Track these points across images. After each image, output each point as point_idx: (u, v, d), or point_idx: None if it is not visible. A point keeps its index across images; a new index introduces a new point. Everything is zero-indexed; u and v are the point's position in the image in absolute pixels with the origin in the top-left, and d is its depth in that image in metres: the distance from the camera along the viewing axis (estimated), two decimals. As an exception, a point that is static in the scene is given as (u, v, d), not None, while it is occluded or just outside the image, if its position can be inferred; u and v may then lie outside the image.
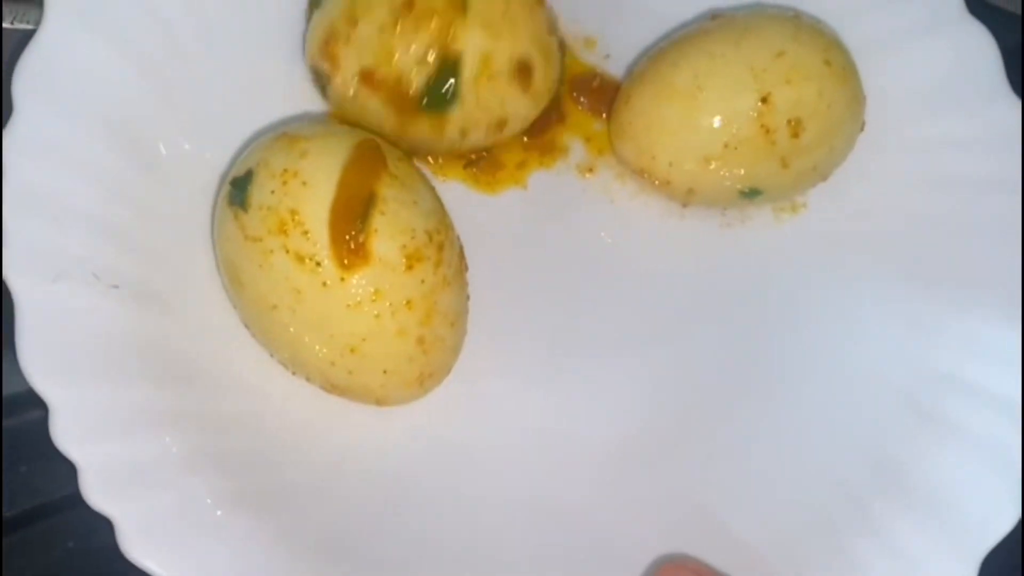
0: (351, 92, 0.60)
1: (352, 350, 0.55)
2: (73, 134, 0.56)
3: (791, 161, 0.63)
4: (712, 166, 0.63)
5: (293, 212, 0.53)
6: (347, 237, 0.53)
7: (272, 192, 0.53)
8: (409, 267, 0.54)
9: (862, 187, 0.66)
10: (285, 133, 0.56)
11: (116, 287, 0.55)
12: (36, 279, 0.53)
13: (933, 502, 0.60)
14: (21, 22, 0.62)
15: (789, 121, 0.61)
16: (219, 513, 0.53)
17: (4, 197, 0.53)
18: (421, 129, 0.60)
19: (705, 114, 0.62)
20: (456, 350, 0.59)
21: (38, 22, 0.57)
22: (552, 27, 0.62)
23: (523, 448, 0.61)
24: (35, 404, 0.52)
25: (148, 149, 0.59)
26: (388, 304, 0.54)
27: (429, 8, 0.58)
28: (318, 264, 0.53)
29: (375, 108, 0.60)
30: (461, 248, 0.60)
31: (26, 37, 0.56)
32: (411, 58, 0.58)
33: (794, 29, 0.62)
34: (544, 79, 0.61)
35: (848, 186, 0.66)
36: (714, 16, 0.65)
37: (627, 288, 0.65)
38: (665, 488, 0.61)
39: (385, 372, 0.56)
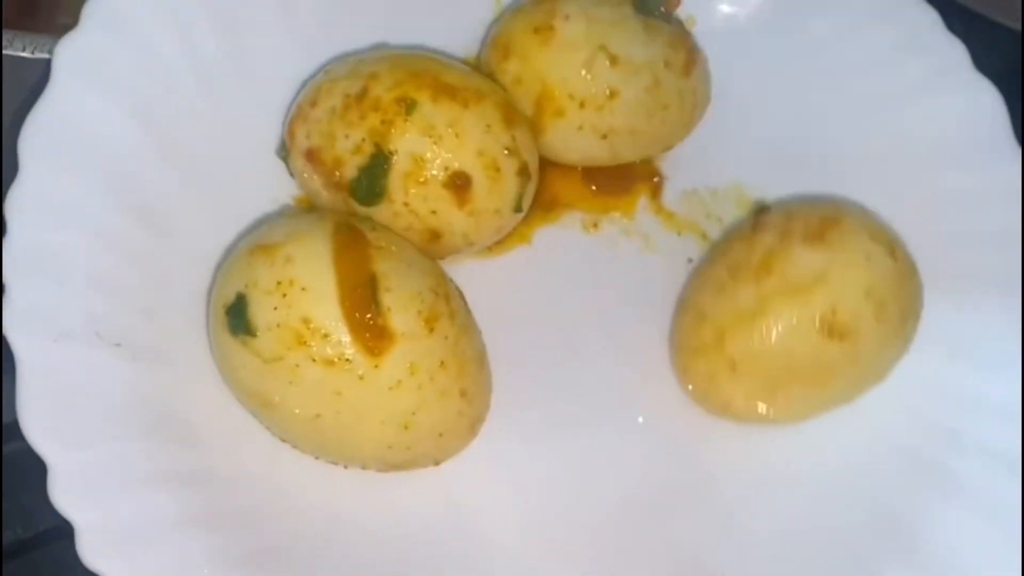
0: (299, 168, 0.61)
1: (406, 427, 0.54)
2: (78, 193, 0.56)
3: None
4: None
5: (306, 321, 0.52)
6: (366, 325, 0.52)
7: (275, 309, 0.53)
8: (431, 329, 0.54)
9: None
10: (258, 246, 0.55)
11: (118, 345, 0.55)
12: (38, 338, 0.53)
13: (935, 558, 0.59)
14: (41, 52, 0.61)
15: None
16: (215, 574, 0.52)
17: (7, 255, 0.53)
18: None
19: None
20: (490, 385, 0.60)
21: (51, 51, 0.57)
22: (516, 149, 0.60)
23: (528, 502, 0.60)
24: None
25: (153, 209, 0.59)
26: (425, 372, 0.54)
27: (376, 102, 0.58)
28: (348, 361, 0.52)
29: (319, 190, 0.60)
30: (457, 288, 0.59)
31: (44, 68, 0.57)
32: (349, 146, 0.59)
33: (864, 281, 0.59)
34: (487, 197, 0.60)
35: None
36: (756, 225, 0.62)
37: (632, 344, 0.64)
38: (669, 548, 0.60)
39: (441, 435, 0.56)
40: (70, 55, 0.57)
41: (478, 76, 0.63)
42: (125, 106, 0.58)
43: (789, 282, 0.58)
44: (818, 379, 0.59)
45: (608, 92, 0.63)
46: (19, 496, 0.59)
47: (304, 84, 0.63)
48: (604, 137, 0.64)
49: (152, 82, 0.59)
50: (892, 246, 0.60)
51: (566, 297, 0.65)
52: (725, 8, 0.71)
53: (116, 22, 0.58)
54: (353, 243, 0.54)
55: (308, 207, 0.63)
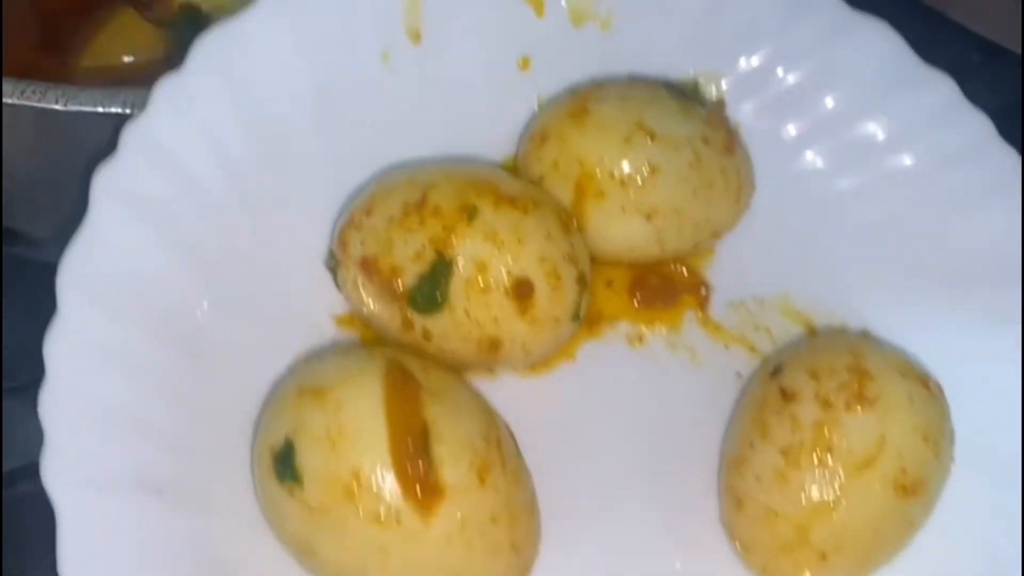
0: (352, 278, 0.60)
1: (453, 585, 0.53)
2: (119, 332, 0.54)
3: None
4: None
5: (355, 473, 0.51)
6: (417, 479, 0.51)
7: (325, 458, 0.51)
8: (482, 481, 0.52)
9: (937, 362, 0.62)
10: (307, 388, 0.53)
11: (160, 492, 0.53)
12: (78, 489, 0.51)
13: None
14: (73, 104, 0.60)
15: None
16: None
17: (48, 402, 0.52)
18: (415, 335, 0.59)
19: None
20: (539, 532, 0.57)
21: (72, 102, 0.57)
22: (575, 257, 0.60)
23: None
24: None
25: (196, 345, 0.57)
26: (476, 528, 0.52)
27: (437, 209, 0.58)
28: (398, 517, 0.51)
29: (373, 300, 0.59)
30: (507, 426, 0.58)
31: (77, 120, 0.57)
32: (408, 253, 0.58)
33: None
34: (548, 305, 0.59)
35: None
36: (785, 394, 0.59)
37: (681, 471, 0.62)
38: None
39: (489, 589, 0.54)
40: (109, 185, 0.56)
41: (531, 186, 0.62)
42: (166, 236, 0.57)
43: (854, 457, 0.56)
44: (900, 536, 0.57)
45: (649, 168, 0.62)
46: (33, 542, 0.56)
47: (348, 197, 0.62)
48: (648, 218, 0.63)
49: (193, 210, 0.58)
50: (921, 376, 0.59)
51: (612, 418, 0.63)
52: (767, 112, 0.69)
53: (154, 149, 0.57)
54: (404, 387, 0.52)
55: (350, 325, 0.62)
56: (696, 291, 0.67)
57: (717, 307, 0.67)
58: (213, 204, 0.59)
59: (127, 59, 0.69)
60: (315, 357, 0.58)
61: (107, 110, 0.60)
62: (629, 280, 0.66)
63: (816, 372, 0.58)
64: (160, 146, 0.57)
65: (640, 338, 0.65)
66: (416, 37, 0.65)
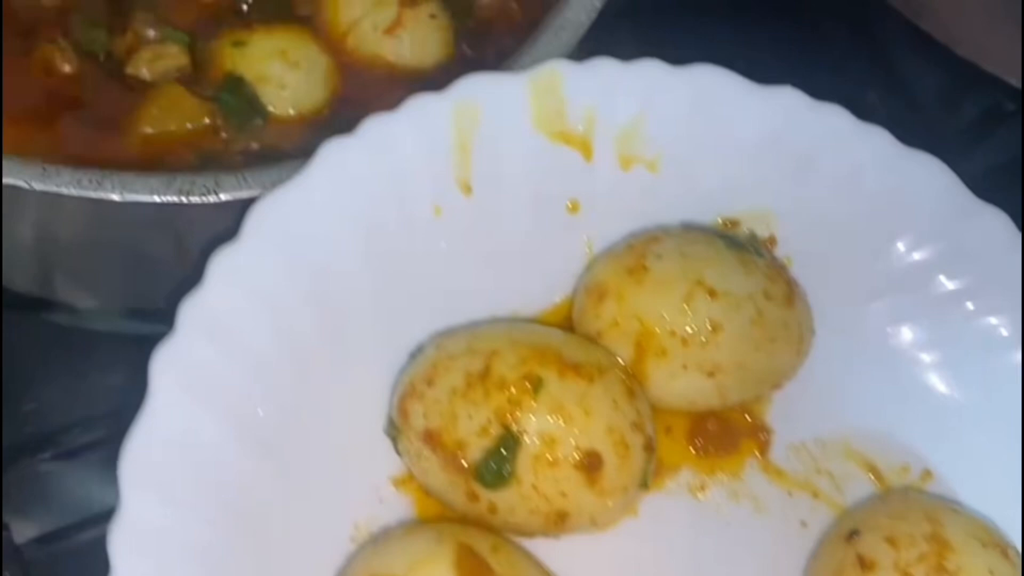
0: (414, 449, 0.59)
1: None
2: (182, 522, 0.53)
3: None
4: None
5: None
6: None
7: None
8: None
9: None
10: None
11: None
12: None
13: None
14: (130, 193, 0.60)
15: None
16: None
17: None
18: (480, 507, 0.58)
19: None
20: None
21: (128, 191, 0.58)
22: (641, 423, 0.59)
23: None
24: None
25: (255, 526, 0.56)
26: None
27: (501, 380, 0.57)
28: None
29: (436, 472, 0.58)
30: None
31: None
32: (473, 427, 0.56)
33: None
34: (617, 476, 0.57)
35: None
36: (863, 563, 0.58)
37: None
38: None
39: None
40: (167, 366, 0.55)
41: (594, 346, 0.62)
42: (227, 415, 0.56)
43: None
44: None
45: (711, 327, 0.61)
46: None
47: (406, 355, 0.62)
48: (711, 375, 0.62)
49: (252, 384, 0.57)
50: (1001, 544, 0.57)
51: (677, 568, 0.61)
52: (820, 249, 0.68)
53: (212, 325, 0.56)
54: (474, 572, 0.51)
55: (408, 487, 0.61)
56: (756, 436, 0.66)
57: (778, 450, 0.66)
58: (272, 377, 0.58)
59: (174, 129, 0.69)
60: (381, 538, 0.57)
61: (163, 199, 0.60)
62: (688, 426, 0.65)
63: (895, 540, 0.57)
64: (218, 321, 0.56)
65: (702, 487, 0.64)
66: (467, 189, 0.65)
